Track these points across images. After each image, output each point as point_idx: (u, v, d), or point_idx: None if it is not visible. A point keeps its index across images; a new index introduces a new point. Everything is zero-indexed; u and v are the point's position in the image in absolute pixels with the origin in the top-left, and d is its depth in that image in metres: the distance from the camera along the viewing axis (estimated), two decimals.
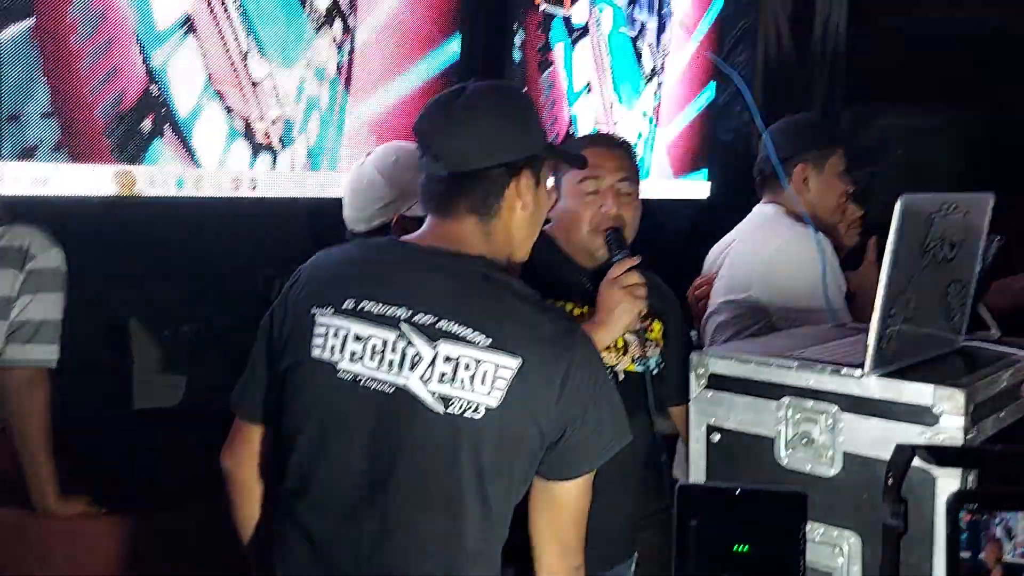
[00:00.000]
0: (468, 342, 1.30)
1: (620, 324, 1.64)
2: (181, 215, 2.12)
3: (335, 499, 1.34)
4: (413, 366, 1.31)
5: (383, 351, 1.32)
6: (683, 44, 3.52)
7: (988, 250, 1.52)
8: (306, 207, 2.40)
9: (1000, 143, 3.09)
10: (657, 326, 1.84)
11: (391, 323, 1.32)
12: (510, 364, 1.29)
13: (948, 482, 1.20)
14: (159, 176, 1.96)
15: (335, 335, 1.34)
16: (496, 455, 1.30)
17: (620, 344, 1.73)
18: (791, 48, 3.64)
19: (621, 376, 1.75)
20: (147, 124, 1.92)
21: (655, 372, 1.81)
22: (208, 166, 2.07)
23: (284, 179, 2.23)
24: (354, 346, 1.33)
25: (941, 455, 0.78)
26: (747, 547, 0.75)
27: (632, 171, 1.80)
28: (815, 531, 1.33)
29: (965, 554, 0.73)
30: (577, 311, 1.74)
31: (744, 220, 2.25)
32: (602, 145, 1.81)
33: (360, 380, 1.33)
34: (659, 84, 3.44)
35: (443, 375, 1.30)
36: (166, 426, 2.50)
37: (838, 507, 1.31)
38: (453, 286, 1.35)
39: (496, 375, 1.29)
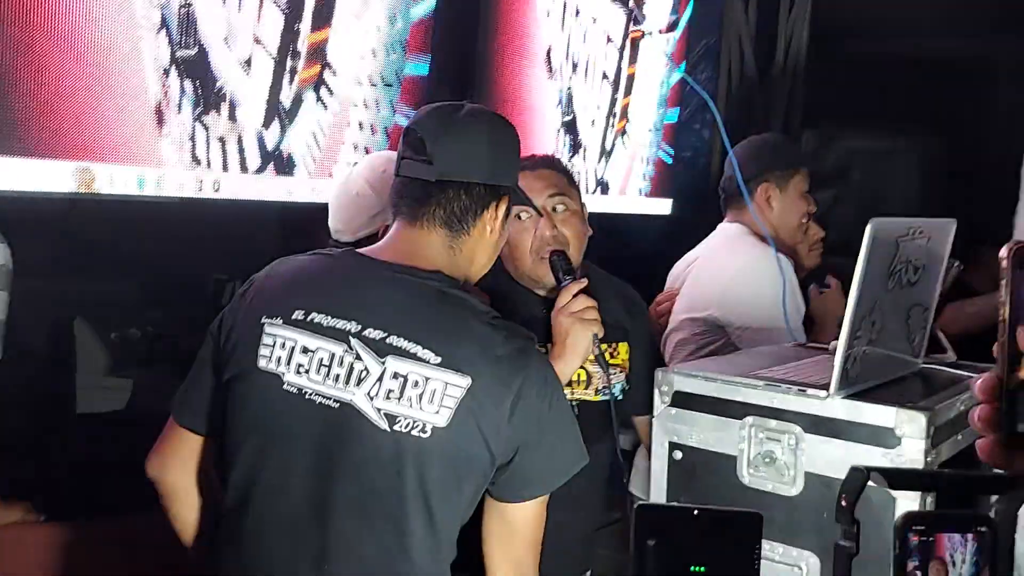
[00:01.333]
0: (418, 359, 1.27)
1: (577, 353, 1.59)
2: (134, 215, 2.07)
3: (276, 516, 1.31)
4: (360, 381, 1.28)
5: (330, 365, 1.29)
6: (655, 64, 3.54)
7: (947, 275, 1.55)
8: (265, 212, 2.36)
9: (957, 167, 3.16)
10: (623, 347, 1.82)
11: (340, 336, 1.29)
12: (460, 383, 1.27)
13: (907, 504, 1.22)
14: (119, 174, 1.89)
15: (282, 346, 1.31)
16: (443, 475, 1.28)
17: (583, 377, 1.70)
18: (753, 68, 3.69)
19: (576, 406, 1.70)
20: (109, 120, 1.86)
21: (619, 398, 1.79)
22: (170, 166, 2.01)
23: (247, 182, 2.19)
24: (301, 358, 1.30)
25: (894, 477, 0.79)
26: (703, 567, 0.75)
27: (562, 185, 1.74)
28: (775, 551, 1.33)
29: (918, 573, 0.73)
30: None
31: (708, 238, 2.27)
32: (525, 169, 1.69)
33: (305, 394, 1.29)
34: (626, 97, 3.45)
35: (390, 392, 1.27)
36: (111, 431, 2.43)
37: (798, 527, 1.32)
38: (406, 301, 1.32)
39: (445, 393, 1.26)
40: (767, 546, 1.34)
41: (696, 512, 0.74)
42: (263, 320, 1.33)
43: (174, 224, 2.17)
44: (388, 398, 1.27)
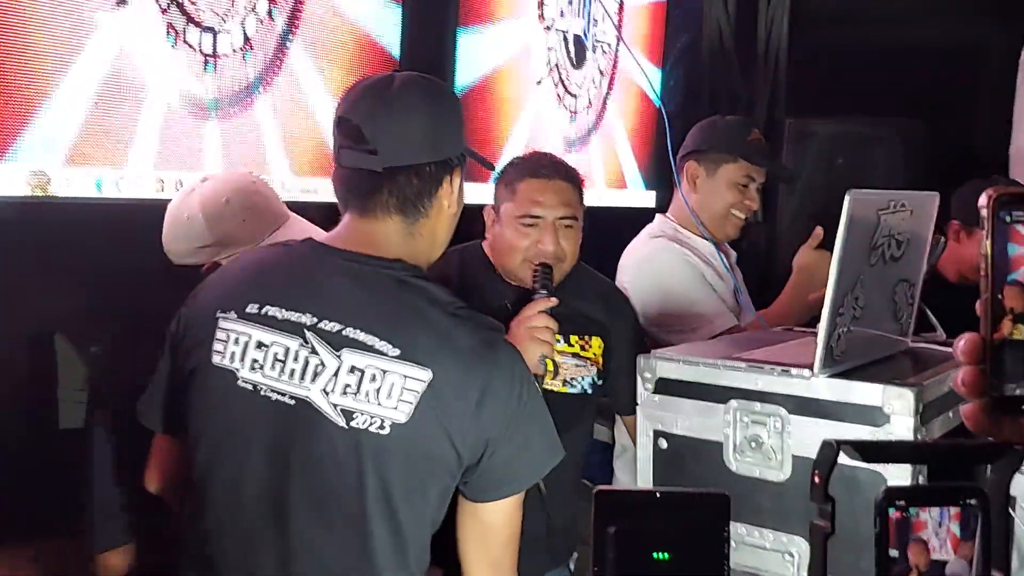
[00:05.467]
0: (375, 351, 1.21)
1: None
2: (108, 219, 2.02)
3: (234, 516, 1.26)
4: (316, 376, 1.22)
5: (285, 360, 1.24)
6: (623, 55, 3.51)
7: (934, 250, 1.51)
8: None
9: (942, 153, 3.15)
10: (596, 341, 1.80)
11: (295, 330, 1.24)
12: (420, 376, 1.21)
13: (899, 480, 1.18)
14: (76, 177, 1.84)
15: (236, 342, 1.26)
16: (405, 474, 1.22)
17: (550, 367, 1.65)
18: (735, 60, 3.67)
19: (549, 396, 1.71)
20: (64, 121, 1.82)
21: (591, 392, 1.78)
22: (128, 166, 1.96)
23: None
24: (255, 354, 1.25)
25: (867, 450, 0.74)
26: (667, 554, 0.70)
27: (574, 204, 1.72)
28: (765, 537, 1.30)
29: (895, 552, 0.68)
30: None
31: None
32: (543, 177, 1.71)
33: (260, 390, 1.25)
34: (599, 84, 3.42)
35: (347, 387, 1.21)
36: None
37: (788, 512, 1.28)
38: (364, 292, 1.26)
39: (404, 387, 1.20)
40: (757, 533, 1.30)
41: (658, 495, 0.68)
42: (217, 314, 1.29)
43: (154, 227, 2.12)
44: (345, 393, 1.21)
